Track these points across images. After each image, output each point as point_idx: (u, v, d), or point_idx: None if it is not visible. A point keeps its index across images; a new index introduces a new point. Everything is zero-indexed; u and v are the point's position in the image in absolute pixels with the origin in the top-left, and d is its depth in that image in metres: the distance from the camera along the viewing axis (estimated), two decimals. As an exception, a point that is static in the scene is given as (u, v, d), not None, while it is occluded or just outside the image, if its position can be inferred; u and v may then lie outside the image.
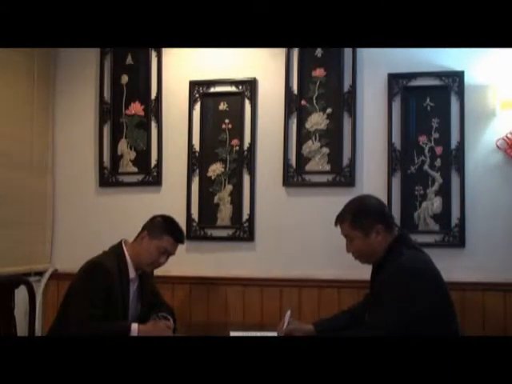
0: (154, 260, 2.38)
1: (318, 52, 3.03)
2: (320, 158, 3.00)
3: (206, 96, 3.14)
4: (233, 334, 2.43)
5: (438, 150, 2.87)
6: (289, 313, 2.33)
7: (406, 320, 1.92)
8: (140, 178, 3.21)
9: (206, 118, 3.13)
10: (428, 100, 2.90)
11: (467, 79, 2.86)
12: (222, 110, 3.13)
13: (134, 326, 2.22)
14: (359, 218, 2.14)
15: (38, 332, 2.93)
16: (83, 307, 2.20)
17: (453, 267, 2.69)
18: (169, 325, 2.32)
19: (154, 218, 2.46)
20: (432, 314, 1.95)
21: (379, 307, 2.02)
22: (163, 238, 2.37)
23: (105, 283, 2.26)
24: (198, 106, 3.14)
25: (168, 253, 2.41)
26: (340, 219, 2.20)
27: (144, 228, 2.44)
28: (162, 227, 2.40)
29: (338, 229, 2.23)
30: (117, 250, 2.40)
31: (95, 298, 2.22)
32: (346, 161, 2.96)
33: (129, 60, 3.25)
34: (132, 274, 2.38)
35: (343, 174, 2.96)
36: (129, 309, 2.37)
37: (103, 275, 2.27)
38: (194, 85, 3.15)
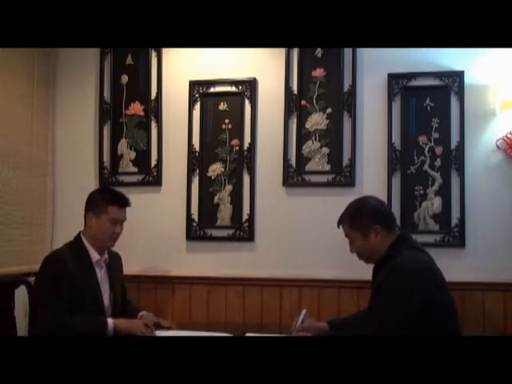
0: (110, 233, 2.39)
1: (318, 52, 3.03)
2: (320, 158, 3.00)
3: (206, 96, 3.14)
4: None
5: (438, 149, 2.87)
6: (304, 311, 2.32)
7: (399, 319, 1.93)
8: (140, 178, 3.21)
9: (205, 118, 3.13)
10: (428, 100, 2.90)
11: (467, 79, 2.86)
12: (222, 110, 3.13)
13: (110, 322, 2.21)
14: (357, 219, 2.16)
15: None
16: (49, 303, 2.20)
17: (453, 267, 2.69)
18: (147, 323, 2.31)
19: (90, 197, 2.46)
20: (427, 314, 1.95)
21: (375, 306, 2.04)
22: (108, 210, 2.38)
23: (60, 271, 2.24)
24: (198, 106, 3.15)
25: (119, 221, 2.42)
26: (341, 221, 2.24)
27: (86, 210, 2.43)
28: (102, 201, 2.40)
29: (338, 229, 2.25)
30: (74, 239, 2.42)
31: (57, 290, 2.21)
32: (345, 161, 2.96)
33: (129, 60, 3.25)
34: (95, 256, 2.38)
35: (343, 174, 2.96)
36: (101, 291, 2.36)
37: (56, 263, 2.27)
38: (193, 85, 3.15)
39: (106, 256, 2.45)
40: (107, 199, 2.40)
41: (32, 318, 2.40)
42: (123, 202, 2.43)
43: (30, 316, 2.41)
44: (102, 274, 2.40)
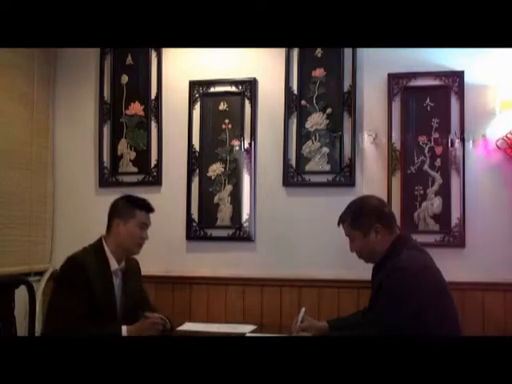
0: (138, 238, 2.42)
1: (318, 52, 3.03)
2: (320, 157, 3.00)
3: (206, 96, 3.14)
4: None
5: (438, 150, 2.87)
6: (303, 310, 2.33)
7: (399, 319, 1.93)
8: (140, 177, 3.21)
9: (205, 117, 3.13)
10: (428, 100, 2.90)
11: (467, 79, 2.86)
12: (222, 110, 3.13)
13: (124, 329, 2.22)
14: (358, 217, 2.16)
15: (38, 332, 2.93)
16: (67, 308, 2.20)
17: (453, 267, 2.69)
18: (155, 321, 2.30)
19: (115, 204, 2.47)
20: (426, 314, 1.95)
21: (376, 306, 2.04)
22: (137, 214, 2.41)
23: (81, 277, 2.24)
24: (198, 106, 3.15)
25: (146, 225, 2.45)
26: (341, 219, 2.24)
27: (112, 217, 2.44)
28: (129, 206, 2.43)
29: (338, 229, 2.25)
30: (95, 244, 2.41)
31: (76, 295, 2.21)
32: (346, 161, 2.96)
33: (129, 60, 3.26)
34: (114, 265, 2.38)
35: (343, 174, 2.97)
36: (116, 301, 2.36)
37: (78, 269, 2.27)
38: (193, 85, 3.15)
39: (124, 264, 2.45)
40: (135, 204, 2.43)
41: (32, 318, 2.40)
42: (149, 208, 2.47)
43: (30, 316, 2.41)
44: (117, 283, 2.40)
